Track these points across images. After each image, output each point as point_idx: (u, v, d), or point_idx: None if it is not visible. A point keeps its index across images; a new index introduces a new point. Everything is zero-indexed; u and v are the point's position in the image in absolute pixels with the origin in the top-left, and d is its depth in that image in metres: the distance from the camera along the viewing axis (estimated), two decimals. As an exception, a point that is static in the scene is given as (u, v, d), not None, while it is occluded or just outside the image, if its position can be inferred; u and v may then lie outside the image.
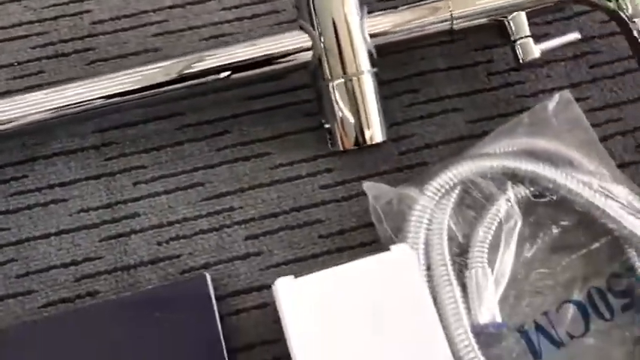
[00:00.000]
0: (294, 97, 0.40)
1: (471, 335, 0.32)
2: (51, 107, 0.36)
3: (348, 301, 0.30)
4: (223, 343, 0.33)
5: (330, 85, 0.36)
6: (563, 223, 0.34)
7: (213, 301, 0.34)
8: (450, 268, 0.34)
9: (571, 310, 0.33)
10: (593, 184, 0.35)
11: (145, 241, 0.37)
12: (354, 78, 0.36)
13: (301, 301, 0.30)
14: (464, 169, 0.35)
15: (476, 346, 0.31)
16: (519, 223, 0.34)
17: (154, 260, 0.36)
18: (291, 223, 0.37)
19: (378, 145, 0.38)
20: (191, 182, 0.38)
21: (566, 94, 0.39)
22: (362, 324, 0.29)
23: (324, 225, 0.37)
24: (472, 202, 0.35)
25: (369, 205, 0.36)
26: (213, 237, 0.37)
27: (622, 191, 0.35)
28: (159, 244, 0.37)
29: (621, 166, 0.38)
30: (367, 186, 0.36)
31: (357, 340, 0.29)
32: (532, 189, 0.35)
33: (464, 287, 0.34)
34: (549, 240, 0.34)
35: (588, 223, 0.34)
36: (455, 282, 0.33)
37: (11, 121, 0.36)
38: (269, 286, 0.34)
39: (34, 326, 0.34)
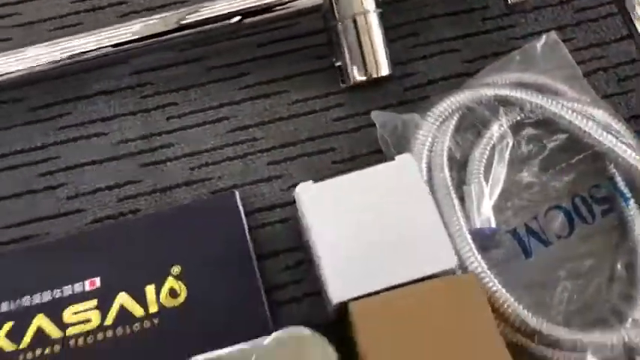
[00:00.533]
0: (307, 42, 0.45)
1: (469, 237, 0.36)
2: (90, 48, 0.41)
3: (360, 201, 0.34)
4: (252, 250, 0.38)
5: (340, 24, 0.41)
6: (550, 141, 0.39)
7: (242, 214, 0.39)
8: (449, 182, 0.38)
9: (557, 215, 0.37)
10: (576, 108, 0.39)
11: (179, 167, 0.41)
12: (362, 17, 0.40)
13: (319, 201, 0.34)
14: (461, 97, 0.40)
15: (474, 247, 0.36)
16: (510, 143, 0.39)
17: (188, 182, 0.41)
18: (307, 150, 0.42)
19: (384, 81, 0.43)
20: (217, 117, 0.43)
21: (553, 34, 0.43)
22: (372, 222, 0.34)
23: (337, 152, 0.42)
24: (469, 127, 0.40)
25: (377, 135, 0.41)
26: (238, 163, 0.42)
27: (602, 114, 0.39)
28: (191, 169, 0.41)
29: (604, 97, 0.43)
30: (375, 114, 0.40)
31: (368, 236, 0.34)
32: (522, 114, 0.40)
33: (462, 200, 0.39)
34: (538, 156, 0.39)
35: (572, 141, 0.39)
36: (454, 195, 0.38)
37: (56, 63, 0.41)
38: (290, 204, 0.40)
39: (83, 237, 0.39)
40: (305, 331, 0.29)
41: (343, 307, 0.32)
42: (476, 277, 0.33)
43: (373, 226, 0.33)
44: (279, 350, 0.29)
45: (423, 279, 0.32)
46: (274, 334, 0.30)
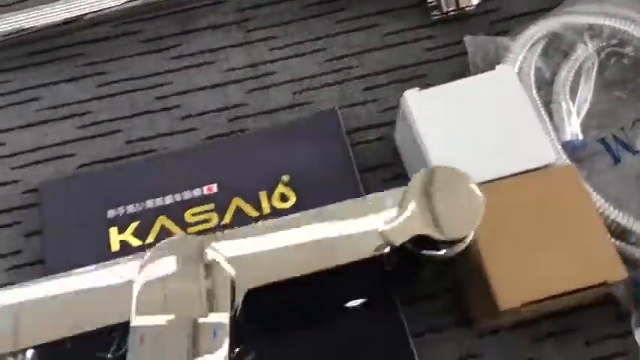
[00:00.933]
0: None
1: (560, 148, 0.39)
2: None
3: (462, 105, 0.37)
4: (353, 161, 0.41)
5: (434, -42, 0.44)
6: (632, 59, 0.41)
7: (344, 128, 0.42)
8: (538, 100, 0.41)
9: (642, 125, 0.40)
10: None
11: (282, 92, 0.45)
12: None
13: (424, 105, 0.37)
14: (549, 23, 0.43)
15: (565, 156, 0.39)
16: (596, 64, 0.41)
17: (291, 105, 0.45)
18: (400, 77, 0.45)
19: (471, 15, 0.46)
20: (315, 48, 0.47)
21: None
22: (474, 123, 0.37)
23: (429, 77, 0.45)
24: (556, 50, 0.42)
25: (466, 62, 0.44)
26: (336, 89, 0.45)
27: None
28: (293, 94, 0.45)
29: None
30: (468, 39, 0.43)
31: (471, 135, 0.36)
32: (606, 39, 0.42)
33: (551, 116, 0.41)
34: (623, 73, 0.41)
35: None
36: (543, 112, 0.41)
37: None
38: (385, 124, 0.43)
39: (200, 149, 0.43)
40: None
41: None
42: (574, 168, 0.35)
43: (475, 126, 0.36)
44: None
45: (524, 173, 0.35)
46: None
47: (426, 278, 0.38)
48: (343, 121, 0.43)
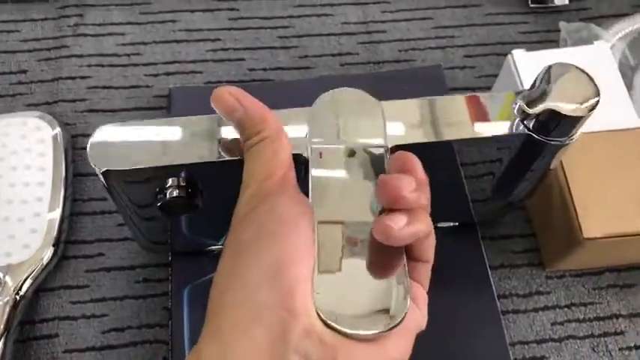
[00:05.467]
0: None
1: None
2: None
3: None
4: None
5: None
6: None
7: (446, 83, 0.47)
8: (620, 76, 0.46)
9: None
10: None
11: (389, 48, 0.51)
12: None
13: (530, 66, 0.42)
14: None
15: None
16: (677, 59, 0.47)
17: (397, 60, 0.50)
18: (496, 51, 0.50)
19: (563, 10, 0.52)
20: (424, 16, 0.52)
21: None
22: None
23: (522, 55, 0.50)
24: (643, 44, 0.48)
25: (557, 46, 0.49)
26: (439, 52, 0.50)
27: None
28: (399, 51, 0.50)
29: None
30: (563, 24, 0.49)
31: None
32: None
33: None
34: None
35: None
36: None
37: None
38: (482, 88, 0.48)
39: (314, 82, 0.48)
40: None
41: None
42: (658, 131, 0.40)
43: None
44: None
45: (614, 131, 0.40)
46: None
47: (507, 211, 0.42)
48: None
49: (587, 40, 0.48)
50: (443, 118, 0.32)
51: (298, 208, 0.26)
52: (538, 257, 0.43)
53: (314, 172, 0.28)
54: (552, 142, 0.31)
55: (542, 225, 0.43)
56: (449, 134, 0.31)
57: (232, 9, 0.52)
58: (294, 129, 0.30)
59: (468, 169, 0.43)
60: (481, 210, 0.42)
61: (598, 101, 0.30)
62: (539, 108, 0.30)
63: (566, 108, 0.30)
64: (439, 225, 0.42)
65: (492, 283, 0.41)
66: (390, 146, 0.30)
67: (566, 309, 0.41)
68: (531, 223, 0.44)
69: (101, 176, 0.30)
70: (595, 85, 0.31)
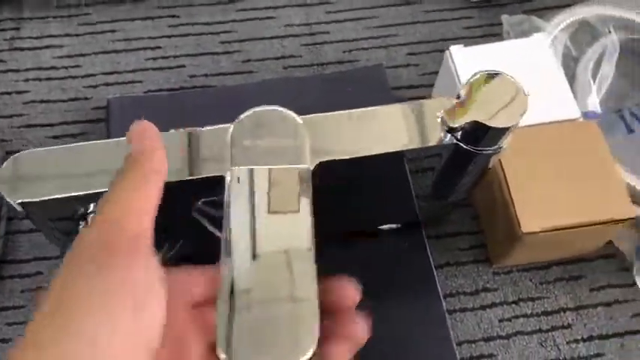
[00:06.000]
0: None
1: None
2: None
3: (499, 62, 0.42)
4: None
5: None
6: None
7: (388, 82, 0.47)
8: (560, 67, 0.46)
9: (657, 103, 0.45)
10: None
11: (333, 49, 0.50)
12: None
13: (467, 62, 0.42)
14: (582, 10, 0.48)
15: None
16: (618, 50, 0.46)
17: (341, 61, 0.49)
18: (439, 48, 0.50)
19: (507, 3, 0.51)
20: (367, 15, 0.52)
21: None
22: (517, 75, 0.41)
23: (466, 51, 0.50)
24: (585, 34, 0.48)
25: (501, 40, 0.49)
26: (382, 51, 0.50)
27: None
28: (343, 51, 0.50)
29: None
30: (505, 17, 0.48)
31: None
32: (630, 30, 0.48)
33: (574, 91, 0.46)
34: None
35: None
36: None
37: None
38: (424, 86, 0.48)
39: (254, 86, 0.47)
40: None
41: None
42: (596, 124, 0.40)
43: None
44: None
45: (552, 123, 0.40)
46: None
47: (451, 210, 0.42)
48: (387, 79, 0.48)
49: (529, 33, 0.48)
50: (371, 130, 0.31)
51: (155, 278, 0.22)
52: (485, 253, 0.43)
53: (232, 198, 0.27)
54: (483, 152, 0.31)
55: (487, 221, 0.43)
56: (376, 148, 0.31)
57: (173, 16, 0.51)
58: (214, 149, 0.29)
59: (411, 164, 0.43)
60: (425, 209, 0.41)
61: (525, 110, 0.30)
62: (462, 120, 0.29)
63: (491, 119, 0.29)
64: (383, 227, 0.42)
65: (437, 282, 0.41)
66: (314, 165, 0.29)
67: (513, 305, 0.41)
68: (478, 220, 0.44)
69: (17, 206, 0.29)
70: (523, 92, 0.30)
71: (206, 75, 0.48)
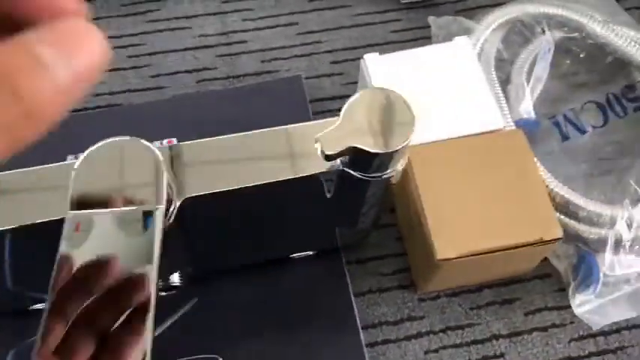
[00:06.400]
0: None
1: (511, 122, 0.40)
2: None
3: (419, 71, 0.38)
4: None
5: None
6: (585, 49, 0.43)
7: (306, 94, 0.43)
8: (496, 81, 0.42)
9: (592, 107, 0.41)
10: (608, 25, 0.43)
11: (251, 59, 0.46)
12: None
13: (383, 70, 0.39)
14: (513, 9, 0.44)
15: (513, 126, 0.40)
16: (552, 49, 0.43)
17: (258, 72, 0.46)
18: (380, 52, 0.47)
19: (439, 4, 0.48)
20: (289, 22, 0.48)
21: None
22: (429, 86, 0.38)
23: (394, 57, 0.47)
24: (518, 35, 0.44)
25: (430, 44, 0.45)
26: (304, 60, 0.46)
27: (629, 31, 0.43)
28: (262, 62, 0.46)
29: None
30: (432, 19, 0.45)
31: (425, 97, 0.37)
32: (564, 28, 0.44)
33: (507, 98, 0.43)
34: (574, 61, 0.43)
35: (603, 49, 0.43)
36: (500, 92, 0.42)
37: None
38: (348, 96, 0.44)
39: (163, 104, 0.44)
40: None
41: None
42: (521, 132, 0.36)
43: (430, 91, 0.38)
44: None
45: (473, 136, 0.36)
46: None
47: (368, 233, 0.38)
48: (309, 91, 0.45)
49: (458, 35, 0.44)
50: (250, 157, 0.28)
51: None
52: (410, 278, 0.39)
53: (64, 248, 0.23)
54: (374, 179, 0.27)
55: (408, 243, 0.39)
56: (251, 178, 0.27)
57: (77, 29, 0.47)
58: (54, 192, 0.26)
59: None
60: (341, 234, 0.38)
61: (413, 131, 0.26)
62: (339, 147, 0.26)
63: (373, 144, 0.26)
64: (296, 256, 0.38)
65: (356, 313, 0.37)
66: (181, 200, 0.26)
67: (441, 334, 0.37)
68: (401, 241, 0.40)
69: None
70: (411, 112, 0.26)
71: (111, 93, 0.45)
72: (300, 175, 0.27)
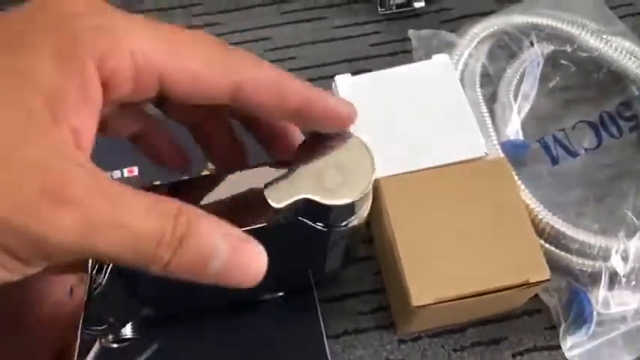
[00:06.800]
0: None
1: (499, 149, 0.37)
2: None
3: (395, 93, 0.35)
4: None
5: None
6: (576, 63, 0.40)
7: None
8: (481, 99, 0.39)
9: (585, 127, 0.38)
10: (602, 35, 0.40)
11: (220, 78, 0.43)
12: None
13: (356, 91, 0.36)
14: (497, 20, 0.41)
15: (500, 151, 0.37)
16: (541, 64, 0.40)
17: (228, 92, 0.43)
18: (345, 70, 0.43)
19: (421, 13, 0.45)
20: (261, 37, 0.45)
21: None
22: (406, 111, 0.35)
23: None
24: (504, 49, 0.41)
25: (413, 60, 0.42)
26: (277, 78, 0.43)
27: (624, 42, 0.40)
28: (232, 80, 0.43)
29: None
30: (412, 32, 0.42)
31: (402, 123, 0.35)
32: (553, 41, 0.41)
33: (493, 117, 0.40)
34: (565, 76, 0.40)
35: (596, 62, 0.40)
36: (485, 111, 0.39)
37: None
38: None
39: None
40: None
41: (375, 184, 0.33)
42: (505, 160, 0.33)
43: (407, 115, 0.35)
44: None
45: (453, 164, 0.33)
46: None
47: (345, 271, 0.36)
48: (281, 111, 0.42)
49: (440, 51, 0.41)
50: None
51: None
52: (389, 317, 0.36)
53: None
54: (334, 229, 0.25)
55: (387, 279, 0.36)
56: None
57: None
58: None
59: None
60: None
61: (371, 179, 0.23)
62: (289, 198, 0.23)
63: (328, 195, 0.23)
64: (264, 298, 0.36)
65: (329, 358, 0.34)
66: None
67: (422, 379, 0.35)
68: (380, 275, 0.37)
69: None
70: (369, 155, 0.24)
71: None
72: (247, 228, 0.24)
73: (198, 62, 0.21)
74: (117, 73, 0.19)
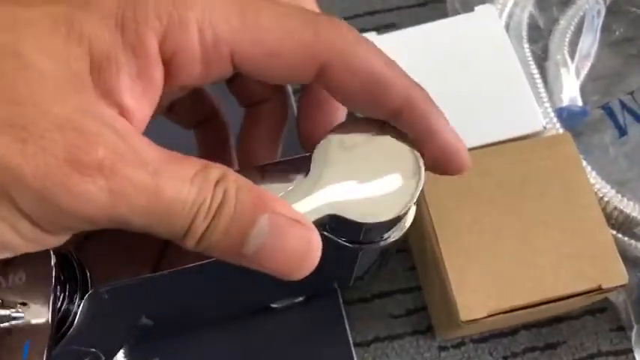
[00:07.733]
0: None
1: (554, 117, 0.31)
2: None
3: (432, 55, 0.29)
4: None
5: None
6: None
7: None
8: (530, 57, 0.33)
9: (657, 89, 0.32)
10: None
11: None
12: None
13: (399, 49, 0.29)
14: (546, -40, 0.35)
15: (556, 121, 0.31)
16: (603, 12, 0.33)
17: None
18: (366, 26, 0.37)
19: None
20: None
21: None
22: (445, 78, 0.29)
23: (398, 27, 0.36)
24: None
25: (445, 10, 0.36)
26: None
27: None
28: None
29: None
30: (445, -21, 0.35)
31: (440, 95, 0.29)
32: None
33: (545, 77, 0.33)
34: (632, 29, 0.33)
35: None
36: (536, 71, 0.33)
37: None
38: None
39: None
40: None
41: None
42: (569, 136, 0.27)
43: (446, 81, 0.28)
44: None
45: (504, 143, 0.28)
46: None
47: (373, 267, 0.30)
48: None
49: (480, 1, 0.35)
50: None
51: None
52: (427, 319, 0.31)
53: None
54: (366, 246, 0.19)
55: (424, 278, 0.31)
56: None
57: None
58: None
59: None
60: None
61: (418, 188, 0.17)
62: (313, 215, 0.17)
63: (360, 213, 0.17)
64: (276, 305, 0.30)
65: (358, 370, 0.30)
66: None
67: (467, 392, 0.30)
68: (415, 271, 0.32)
69: None
70: (416, 157, 0.18)
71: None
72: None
73: (277, 33, 0.17)
74: (182, 53, 0.16)
